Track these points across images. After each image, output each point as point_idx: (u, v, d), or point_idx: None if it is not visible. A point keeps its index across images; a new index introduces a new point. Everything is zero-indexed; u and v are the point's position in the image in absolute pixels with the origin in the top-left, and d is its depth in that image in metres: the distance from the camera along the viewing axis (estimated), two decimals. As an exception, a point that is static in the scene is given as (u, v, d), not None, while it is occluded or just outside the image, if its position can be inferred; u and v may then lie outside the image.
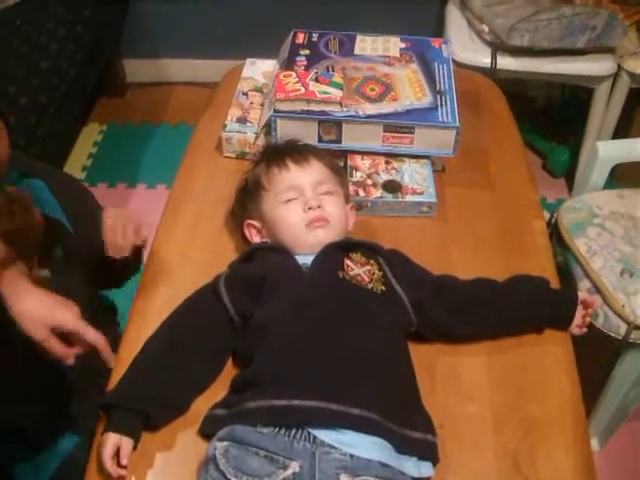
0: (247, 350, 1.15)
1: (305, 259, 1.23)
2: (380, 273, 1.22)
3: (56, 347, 1.11)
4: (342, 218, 1.30)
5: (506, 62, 2.37)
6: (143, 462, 1.09)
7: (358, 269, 1.21)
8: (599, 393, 1.80)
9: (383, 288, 1.20)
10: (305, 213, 1.27)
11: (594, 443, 1.93)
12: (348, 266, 1.21)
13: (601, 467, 1.87)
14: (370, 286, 1.19)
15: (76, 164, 2.93)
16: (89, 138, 3.10)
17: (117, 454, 1.05)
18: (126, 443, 1.06)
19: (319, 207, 1.27)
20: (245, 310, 1.18)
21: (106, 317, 1.57)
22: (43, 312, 1.11)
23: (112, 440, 1.05)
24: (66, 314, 1.12)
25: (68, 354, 1.13)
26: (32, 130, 2.15)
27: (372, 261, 1.23)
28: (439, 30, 2.70)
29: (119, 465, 1.04)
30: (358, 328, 1.13)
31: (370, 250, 1.25)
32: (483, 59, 2.36)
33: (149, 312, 1.29)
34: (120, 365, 1.19)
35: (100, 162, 2.99)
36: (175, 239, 1.44)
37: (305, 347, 1.09)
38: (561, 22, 2.29)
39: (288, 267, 1.22)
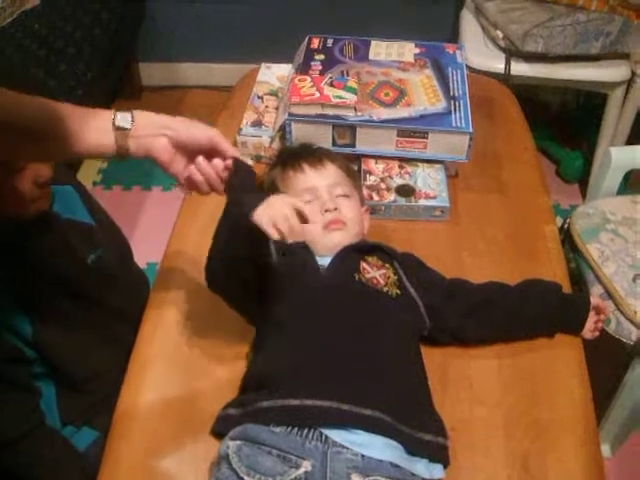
0: (261, 349, 1.16)
1: (322, 261, 1.24)
2: (395, 277, 1.23)
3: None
4: (358, 220, 1.32)
5: (520, 68, 2.37)
6: (156, 461, 1.10)
7: (374, 272, 1.22)
8: (611, 399, 1.80)
9: (398, 292, 1.21)
10: (322, 215, 1.28)
11: (606, 449, 1.93)
12: (364, 269, 1.22)
13: (613, 473, 1.89)
14: (385, 289, 1.20)
15: (92, 167, 2.95)
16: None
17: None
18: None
19: (335, 209, 1.28)
20: (264, 300, 1.19)
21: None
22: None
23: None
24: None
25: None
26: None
27: (387, 264, 1.24)
28: (453, 36, 2.72)
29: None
30: (372, 330, 1.14)
31: (386, 254, 1.26)
32: (497, 65, 2.37)
33: (164, 312, 1.31)
34: (136, 362, 1.21)
35: (116, 165, 2.99)
36: (190, 242, 1.45)
37: (319, 347, 1.10)
38: (575, 28, 2.30)
39: (307, 267, 1.23)
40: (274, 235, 1.00)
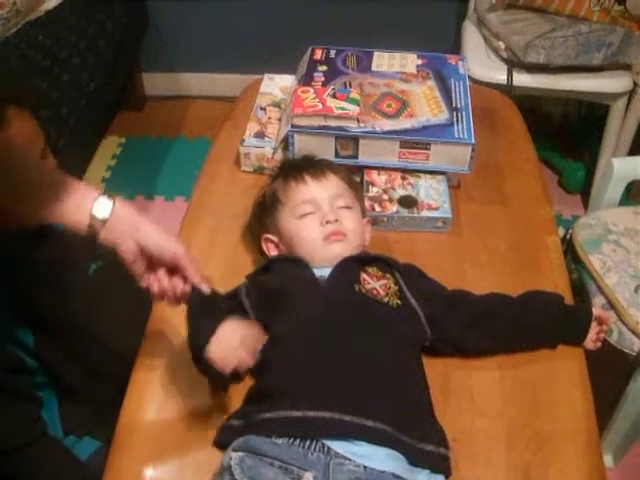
0: (263, 361, 1.16)
1: (322, 272, 1.24)
2: (396, 287, 1.23)
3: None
4: (359, 232, 1.32)
5: (522, 79, 2.38)
6: (158, 471, 1.11)
7: (374, 283, 1.22)
8: (613, 409, 1.80)
9: (399, 302, 1.21)
10: (322, 227, 1.28)
11: (608, 459, 1.92)
12: (364, 280, 1.22)
13: (615, 484, 1.89)
14: (386, 300, 1.20)
15: (95, 176, 2.96)
16: (108, 151, 3.13)
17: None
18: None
19: (336, 221, 1.28)
20: (264, 319, 1.19)
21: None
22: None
23: (232, 325, 1.08)
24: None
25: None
26: (53, 142, 2.18)
27: (388, 275, 1.24)
28: (456, 47, 2.72)
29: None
30: (373, 341, 1.14)
31: (386, 264, 1.26)
32: (499, 76, 2.38)
33: (166, 323, 1.30)
34: (138, 372, 1.22)
35: (119, 174, 3.01)
36: (192, 251, 1.44)
37: (320, 359, 1.10)
38: (577, 39, 2.31)
39: (305, 279, 1.24)
40: (225, 372, 1.04)
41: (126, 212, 1.08)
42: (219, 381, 1.12)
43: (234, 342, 1.05)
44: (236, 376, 1.11)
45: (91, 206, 1.05)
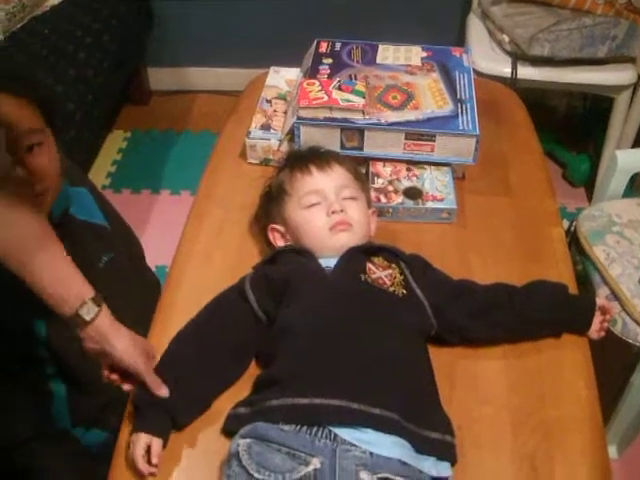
0: (270, 350, 1.17)
1: (328, 262, 1.25)
2: (401, 277, 1.24)
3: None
4: (364, 222, 1.33)
5: (526, 72, 2.39)
6: (167, 459, 1.11)
7: (380, 272, 1.23)
8: (617, 400, 1.80)
9: (404, 292, 1.22)
10: (328, 217, 1.29)
11: (612, 450, 1.93)
12: (370, 269, 1.23)
13: (619, 474, 1.89)
14: (391, 289, 1.21)
15: (101, 170, 2.97)
16: (114, 145, 3.14)
17: (148, 453, 1.08)
18: (156, 443, 1.08)
19: (342, 211, 1.29)
20: (270, 309, 1.21)
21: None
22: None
23: (143, 439, 1.08)
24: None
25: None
26: (59, 137, 2.19)
27: (394, 265, 1.25)
28: (460, 40, 2.73)
29: (149, 464, 1.07)
30: (379, 330, 1.15)
31: (392, 254, 1.27)
32: (504, 69, 2.38)
33: (173, 314, 1.32)
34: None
35: (124, 168, 3.03)
36: (199, 244, 1.46)
37: (327, 347, 1.12)
38: (581, 32, 2.31)
39: (311, 269, 1.25)
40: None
41: (106, 324, 1.11)
42: None
43: (135, 455, 1.08)
44: None
45: (79, 306, 1.09)
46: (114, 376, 1.14)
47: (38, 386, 1.34)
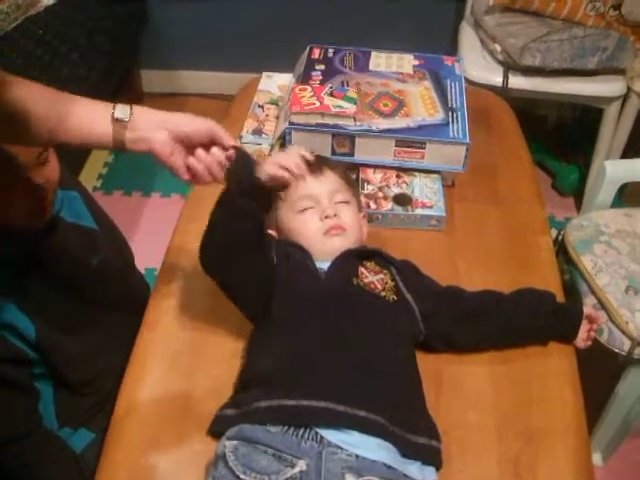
0: (258, 350, 1.18)
1: (321, 265, 1.26)
2: (392, 283, 1.25)
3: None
4: (357, 227, 1.34)
5: (518, 81, 2.40)
6: (153, 461, 1.12)
7: (372, 277, 1.24)
8: (602, 408, 1.82)
9: (395, 297, 1.23)
10: (322, 221, 1.30)
11: (597, 458, 1.95)
12: (362, 273, 1.24)
13: (603, 482, 1.90)
14: (382, 294, 1.22)
15: (92, 172, 2.97)
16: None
17: None
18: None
19: (335, 215, 1.30)
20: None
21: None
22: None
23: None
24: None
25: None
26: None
27: (385, 270, 1.26)
28: (452, 48, 2.74)
29: None
30: (368, 333, 1.16)
31: (384, 259, 1.28)
32: (495, 78, 2.40)
33: (162, 318, 1.33)
34: (134, 365, 1.23)
35: (116, 170, 3.02)
36: (189, 247, 1.46)
37: (316, 349, 1.12)
38: (572, 43, 2.33)
39: (308, 269, 1.25)
40: (278, 185, 1.12)
41: (146, 110, 1.08)
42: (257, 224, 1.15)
43: (282, 157, 1.12)
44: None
45: (111, 112, 1.05)
46: (199, 153, 1.11)
47: (27, 387, 1.34)
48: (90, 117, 1.05)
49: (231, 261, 1.17)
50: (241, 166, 1.12)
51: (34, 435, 1.32)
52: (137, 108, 1.07)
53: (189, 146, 1.11)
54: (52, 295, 1.31)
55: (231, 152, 1.12)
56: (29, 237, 1.26)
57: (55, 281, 1.31)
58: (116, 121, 1.05)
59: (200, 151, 1.11)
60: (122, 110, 1.06)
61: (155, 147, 1.08)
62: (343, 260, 1.26)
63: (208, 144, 1.12)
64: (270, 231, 1.36)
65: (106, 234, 1.50)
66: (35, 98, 1.01)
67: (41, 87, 1.03)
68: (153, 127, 1.08)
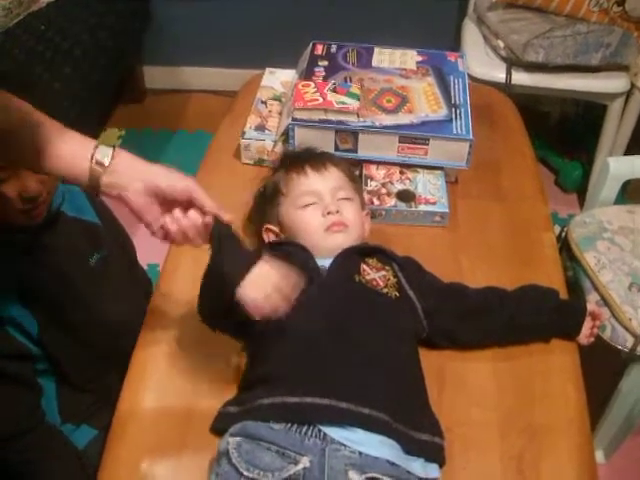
0: (260, 348, 1.18)
1: (323, 262, 1.25)
2: (395, 279, 1.24)
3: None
4: (359, 223, 1.34)
5: (521, 77, 2.39)
6: (157, 458, 1.12)
7: (374, 274, 1.24)
8: (605, 405, 1.81)
9: (397, 294, 1.23)
10: (324, 218, 1.30)
11: (600, 455, 1.94)
12: (364, 270, 1.24)
13: (606, 479, 1.90)
14: (385, 291, 1.22)
15: (94, 168, 2.96)
16: (108, 142, 3.10)
17: None
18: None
19: (338, 212, 1.30)
20: None
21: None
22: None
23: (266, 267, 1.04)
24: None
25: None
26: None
27: (387, 267, 1.26)
28: (456, 45, 2.73)
29: None
30: (371, 330, 1.16)
31: (386, 256, 1.28)
32: (498, 74, 2.39)
33: (165, 314, 1.32)
34: (136, 362, 1.23)
35: (118, 166, 3.02)
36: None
37: (318, 346, 1.12)
38: (576, 39, 2.32)
39: (308, 267, 1.25)
40: (256, 317, 1.03)
41: (130, 156, 1.03)
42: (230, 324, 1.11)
43: (269, 286, 1.02)
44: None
45: (92, 152, 1.00)
46: (177, 213, 1.04)
47: (30, 382, 1.34)
48: (72, 151, 1.01)
49: (225, 317, 1.14)
50: (220, 248, 1.06)
51: (37, 431, 1.33)
52: (120, 153, 1.03)
53: (166, 203, 1.04)
54: (53, 291, 1.32)
55: (209, 219, 1.05)
56: (29, 232, 1.27)
57: (55, 276, 1.31)
58: (95, 162, 1.01)
59: (177, 211, 1.04)
60: (104, 152, 1.01)
61: (128, 196, 1.02)
62: (345, 257, 1.26)
63: (186, 205, 1.05)
64: (272, 226, 1.36)
65: (109, 229, 1.50)
66: (23, 119, 1.00)
67: (30, 109, 1.02)
68: (130, 175, 1.02)
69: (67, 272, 1.34)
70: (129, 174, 1.02)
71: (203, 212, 1.05)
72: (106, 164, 1.00)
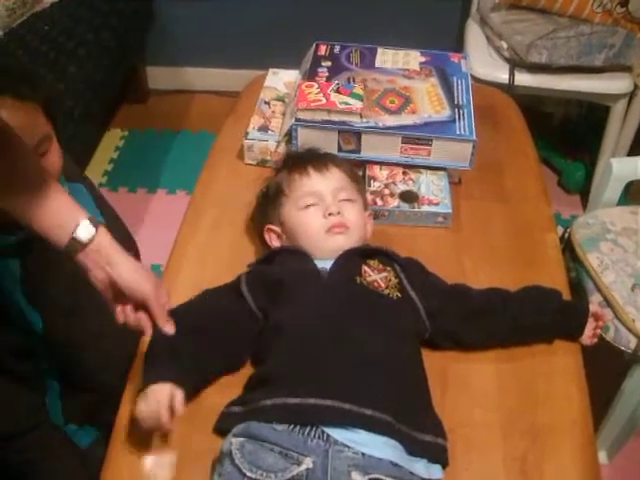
0: (263, 349, 1.18)
1: (324, 264, 1.26)
2: (396, 280, 1.25)
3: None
4: (361, 225, 1.34)
5: (524, 78, 2.39)
6: (159, 458, 1.12)
7: (375, 275, 1.24)
8: (608, 406, 1.81)
9: (399, 295, 1.23)
10: (325, 219, 1.30)
11: (602, 456, 1.94)
12: (365, 272, 1.24)
13: (609, 480, 1.90)
14: (386, 292, 1.22)
15: (98, 168, 2.97)
16: (111, 143, 3.14)
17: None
18: (180, 393, 1.07)
19: (339, 213, 1.30)
20: (266, 308, 1.21)
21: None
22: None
23: (168, 389, 1.06)
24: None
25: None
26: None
27: (389, 268, 1.26)
28: (459, 45, 2.73)
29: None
30: (373, 331, 1.16)
31: (387, 257, 1.28)
32: (501, 75, 2.39)
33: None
34: (140, 363, 1.23)
35: (121, 167, 3.02)
36: (195, 244, 1.47)
37: (320, 348, 1.12)
38: (579, 40, 2.32)
39: (307, 270, 1.25)
40: (142, 429, 1.08)
41: (106, 243, 1.08)
42: None
43: (158, 406, 1.05)
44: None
45: (74, 228, 1.05)
46: (127, 309, 1.09)
47: (34, 381, 1.34)
48: (57, 217, 1.06)
49: None
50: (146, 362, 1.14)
51: (38, 431, 1.33)
52: (101, 234, 1.07)
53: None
54: (57, 289, 1.32)
55: (149, 329, 1.11)
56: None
57: (59, 275, 1.31)
58: (75, 239, 1.05)
59: (128, 308, 1.10)
60: (86, 230, 1.05)
61: (91, 276, 1.08)
62: (346, 259, 1.26)
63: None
64: (273, 226, 1.36)
65: (114, 229, 1.49)
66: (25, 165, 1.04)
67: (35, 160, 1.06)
68: (97, 264, 1.07)
69: (71, 271, 1.34)
70: (97, 261, 1.07)
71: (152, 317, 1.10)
72: (83, 243, 1.05)
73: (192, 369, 1.12)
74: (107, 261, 1.07)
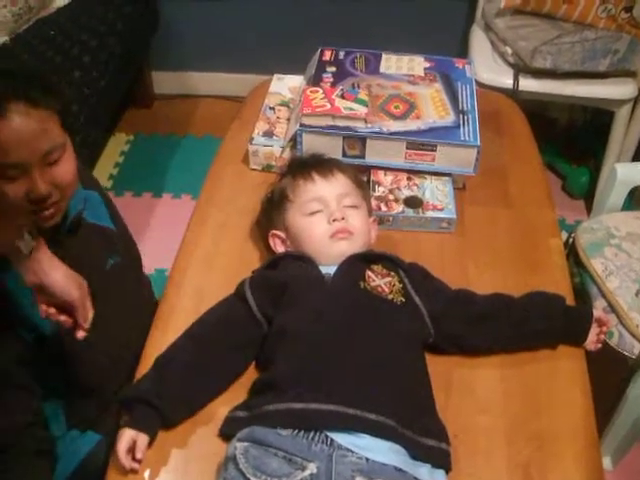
0: (268, 354, 1.19)
1: (328, 269, 1.26)
2: (400, 285, 1.25)
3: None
4: (365, 231, 1.34)
5: (528, 84, 2.40)
6: (163, 461, 1.12)
7: (379, 280, 1.24)
8: (612, 412, 1.81)
9: (403, 299, 1.23)
10: (329, 225, 1.30)
11: (607, 462, 1.94)
12: (369, 277, 1.24)
13: (613, 486, 1.90)
14: (390, 297, 1.22)
15: (103, 173, 2.98)
16: (116, 147, 3.15)
17: (133, 449, 1.08)
18: (142, 438, 1.09)
19: (343, 219, 1.30)
20: (269, 313, 1.22)
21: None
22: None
23: (128, 435, 1.09)
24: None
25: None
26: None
27: (393, 273, 1.26)
28: (463, 51, 2.74)
29: (134, 459, 1.08)
30: (377, 336, 1.16)
31: (391, 262, 1.28)
32: (506, 80, 2.39)
33: (173, 318, 1.33)
34: (144, 367, 1.23)
35: (126, 171, 3.03)
36: (200, 248, 1.47)
37: (324, 353, 1.13)
38: (584, 45, 2.32)
39: (311, 276, 1.26)
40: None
41: (46, 255, 1.18)
42: None
43: (118, 452, 1.09)
44: None
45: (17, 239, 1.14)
46: (52, 309, 1.18)
47: (33, 386, 1.34)
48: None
49: None
50: None
51: (9, 453, 1.31)
52: (39, 248, 1.17)
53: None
54: None
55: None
56: (51, 236, 1.26)
57: None
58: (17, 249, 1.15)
59: (52, 309, 1.19)
60: (25, 245, 1.15)
61: (27, 281, 1.17)
62: (350, 264, 1.27)
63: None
64: (278, 232, 1.37)
65: (121, 236, 1.50)
66: None
67: None
68: (35, 271, 1.16)
69: (86, 277, 1.34)
70: (35, 270, 1.16)
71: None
72: (24, 252, 1.15)
73: (172, 403, 1.14)
74: (42, 271, 1.17)
